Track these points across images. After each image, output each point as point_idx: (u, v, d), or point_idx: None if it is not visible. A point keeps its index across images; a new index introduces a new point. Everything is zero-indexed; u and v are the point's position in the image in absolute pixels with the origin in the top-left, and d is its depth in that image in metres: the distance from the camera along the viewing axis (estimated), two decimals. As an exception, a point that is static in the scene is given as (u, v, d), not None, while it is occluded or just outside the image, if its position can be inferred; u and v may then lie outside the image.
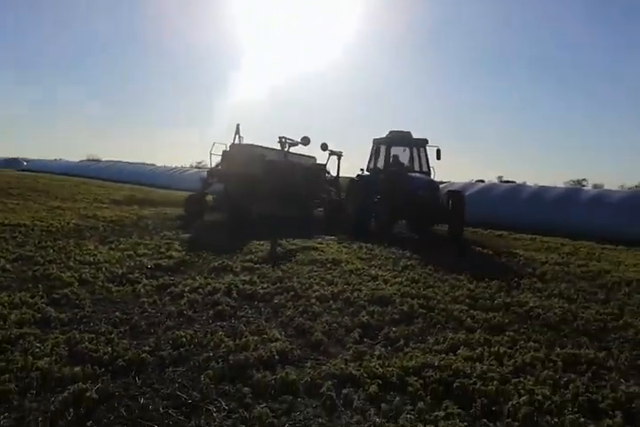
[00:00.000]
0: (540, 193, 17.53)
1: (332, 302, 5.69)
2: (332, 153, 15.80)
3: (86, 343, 3.96)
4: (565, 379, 3.83)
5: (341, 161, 16.16)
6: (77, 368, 3.50)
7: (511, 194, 17.82)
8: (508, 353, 4.32)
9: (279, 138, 14.66)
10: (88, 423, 2.91)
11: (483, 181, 33.87)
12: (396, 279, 6.93)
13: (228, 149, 14.84)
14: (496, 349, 4.38)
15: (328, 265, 7.81)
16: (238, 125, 14.83)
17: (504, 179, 61.09)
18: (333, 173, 16.54)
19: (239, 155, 14.58)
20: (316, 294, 5.93)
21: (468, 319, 5.28)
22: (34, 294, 5.21)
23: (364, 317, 5.15)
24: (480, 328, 5.01)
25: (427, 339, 4.67)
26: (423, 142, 14.45)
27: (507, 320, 5.35)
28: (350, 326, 4.87)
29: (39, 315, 4.59)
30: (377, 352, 4.21)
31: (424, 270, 7.76)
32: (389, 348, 4.41)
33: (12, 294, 5.13)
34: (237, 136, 14.88)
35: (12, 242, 8.15)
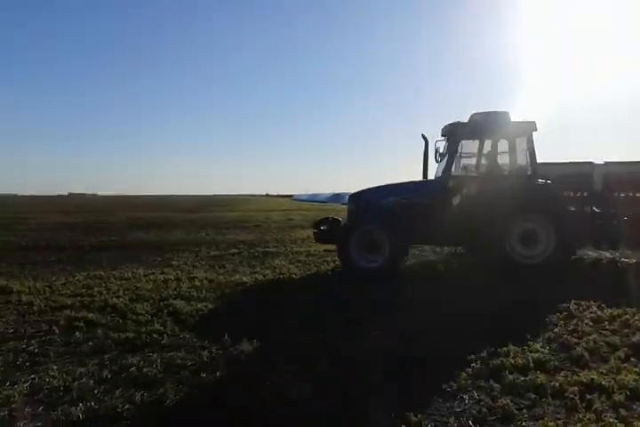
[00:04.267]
0: None
1: (606, 323, 5.77)
2: None
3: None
4: None
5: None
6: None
7: None
8: None
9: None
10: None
11: None
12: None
13: None
14: None
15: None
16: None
17: None
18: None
19: None
20: (592, 315, 6.05)
21: None
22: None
23: (637, 338, 5.16)
24: None
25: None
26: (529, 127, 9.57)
27: None
28: (619, 346, 4.97)
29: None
30: (637, 369, 4.32)
31: None
32: (657, 367, 4.43)
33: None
34: None
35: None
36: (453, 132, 9.76)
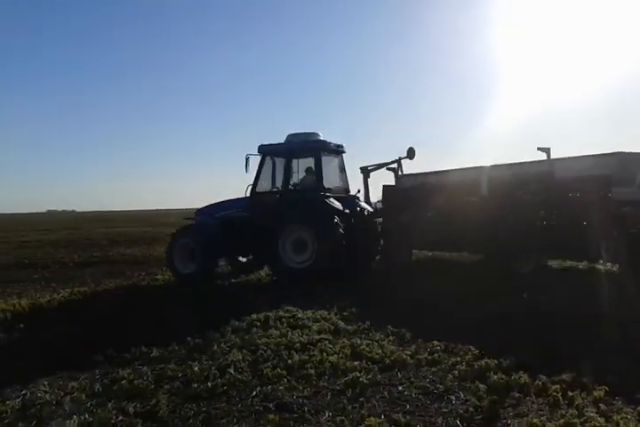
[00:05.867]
0: None
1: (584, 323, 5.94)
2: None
3: (364, 346, 5.22)
4: None
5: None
6: (356, 362, 4.74)
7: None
8: None
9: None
10: (360, 399, 4.04)
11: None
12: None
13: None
14: None
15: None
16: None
17: None
18: None
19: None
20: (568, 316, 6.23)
21: None
22: (330, 312, 6.79)
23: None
24: None
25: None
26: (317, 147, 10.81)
27: None
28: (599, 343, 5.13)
29: (332, 326, 6.08)
30: (616, 365, 4.47)
31: None
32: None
33: (314, 312, 6.80)
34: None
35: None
36: (263, 151, 10.93)
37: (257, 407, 3.90)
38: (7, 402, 4.07)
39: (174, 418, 3.74)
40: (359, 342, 5.40)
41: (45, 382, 4.51)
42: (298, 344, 5.38)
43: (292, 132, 11.08)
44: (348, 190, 11.47)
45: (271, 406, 3.92)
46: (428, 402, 3.98)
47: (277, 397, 4.10)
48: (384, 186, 11.85)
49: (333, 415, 3.73)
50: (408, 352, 5.05)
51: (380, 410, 3.80)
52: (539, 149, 9.67)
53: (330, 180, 10.97)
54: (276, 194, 10.77)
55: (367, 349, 5.16)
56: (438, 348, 5.16)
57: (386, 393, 4.16)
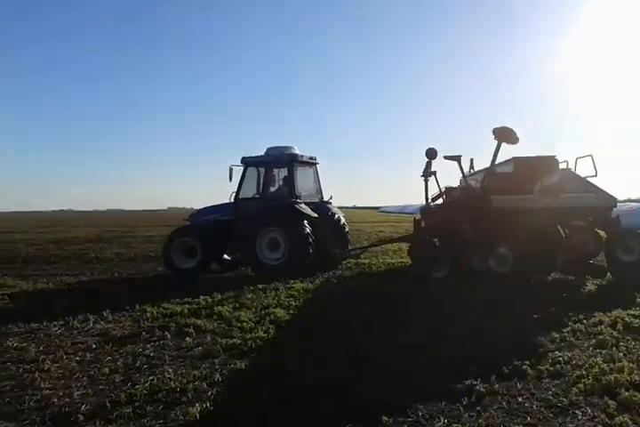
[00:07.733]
0: None
1: None
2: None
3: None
4: None
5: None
6: (471, 369, 4.59)
7: None
8: None
9: None
10: (477, 408, 3.89)
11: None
12: None
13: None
14: None
15: None
16: (472, 160, 12.24)
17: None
18: None
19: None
20: None
21: None
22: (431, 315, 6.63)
23: None
24: None
25: None
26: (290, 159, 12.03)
27: None
28: None
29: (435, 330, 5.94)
30: None
31: None
32: None
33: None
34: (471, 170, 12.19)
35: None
36: (245, 162, 12.26)
37: (368, 409, 3.88)
38: (137, 386, 4.36)
39: (289, 412, 3.83)
40: (471, 346, 5.26)
41: (170, 370, 4.78)
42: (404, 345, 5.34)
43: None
44: (321, 197, 12.91)
45: (382, 407, 3.86)
46: (551, 415, 3.75)
47: (388, 398, 4.05)
48: (445, 188, 11.80)
49: (449, 422, 3.63)
50: (527, 362, 4.78)
51: (498, 420, 3.65)
52: (445, 157, 9.91)
53: (305, 187, 12.55)
54: (255, 200, 12.10)
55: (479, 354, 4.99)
56: (561, 359, 4.87)
57: (504, 403, 3.98)
